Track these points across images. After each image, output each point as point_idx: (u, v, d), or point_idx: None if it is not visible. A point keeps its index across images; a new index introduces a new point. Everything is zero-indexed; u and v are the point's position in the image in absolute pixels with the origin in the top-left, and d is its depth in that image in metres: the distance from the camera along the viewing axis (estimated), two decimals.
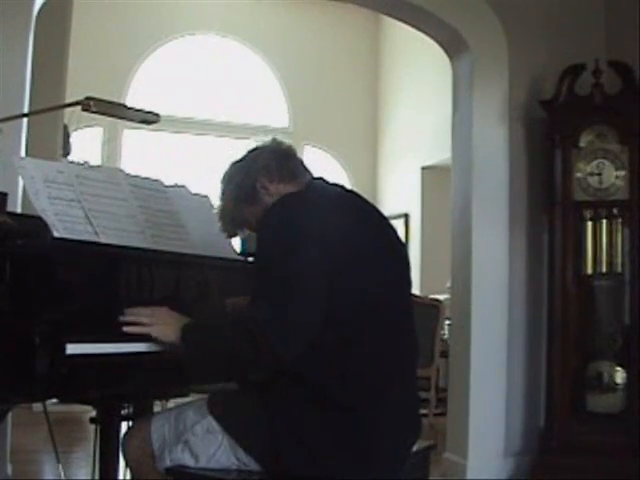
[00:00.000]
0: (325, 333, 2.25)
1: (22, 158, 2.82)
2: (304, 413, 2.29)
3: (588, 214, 5.09)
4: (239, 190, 2.57)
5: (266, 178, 2.53)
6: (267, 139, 2.65)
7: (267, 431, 2.30)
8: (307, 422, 2.28)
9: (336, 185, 2.61)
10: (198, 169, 9.22)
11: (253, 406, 2.37)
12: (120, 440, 2.64)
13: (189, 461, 2.42)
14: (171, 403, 3.16)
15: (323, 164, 10.90)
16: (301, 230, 2.28)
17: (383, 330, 2.37)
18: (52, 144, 6.57)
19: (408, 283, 2.60)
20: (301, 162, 2.63)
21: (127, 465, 2.58)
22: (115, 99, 3.26)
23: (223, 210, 2.65)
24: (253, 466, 2.36)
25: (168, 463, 2.44)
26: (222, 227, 2.69)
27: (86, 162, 2.77)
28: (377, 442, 2.31)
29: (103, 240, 2.58)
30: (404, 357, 2.48)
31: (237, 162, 2.64)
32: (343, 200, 2.53)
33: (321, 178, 2.61)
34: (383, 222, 2.65)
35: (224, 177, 2.64)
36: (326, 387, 2.28)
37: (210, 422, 2.41)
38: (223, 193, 2.64)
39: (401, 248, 2.65)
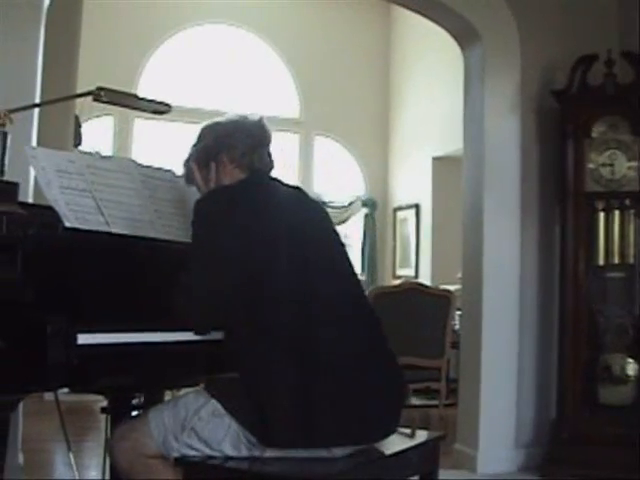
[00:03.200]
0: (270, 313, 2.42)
1: (33, 148, 2.83)
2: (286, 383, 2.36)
3: (600, 205, 5.07)
4: (202, 152, 2.74)
5: (228, 158, 2.69)
6: (254, 117, 2.79)
7: (256, 405, 2.35)
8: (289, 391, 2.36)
9: (284, 184, 2.74)
10: None
11: (245, 385, 2.41)
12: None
13: (197, 445, 2.42)
14: (182, 393, 3.16)
15: (334, 154, 10.91)
16: (219, 224, 2.49)
17: (323, 310, 2.47)
18: (63, 134, 6.58)
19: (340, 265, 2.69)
20: (268, 153, 2.77)
21: (116, 471, 2.55)
22: (126, 89, 3.26)
23: (187, 159, 2.82)
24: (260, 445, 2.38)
25: (176, 451, 2.43)
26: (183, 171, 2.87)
27: (97, 152, 2.78)
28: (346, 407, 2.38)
29: (114, 230, 2.58)
30: (354, 331, 2.54)
31: (221, 124, 2.79)
32: (270, 197, 2.64)
33: (274, 178, 2.75)
34: (315, 216, 2.74)
35: (204, 129, 2.81)
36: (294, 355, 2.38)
37: (215, 405, 2.43)
38: (194, 145, 2.80)
39: (329, 235, 2.74)
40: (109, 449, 2.58)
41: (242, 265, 2.44)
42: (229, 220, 2.48)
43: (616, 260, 5.08)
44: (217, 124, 2.78)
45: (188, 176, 2.81)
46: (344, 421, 2.36)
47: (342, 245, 2.75)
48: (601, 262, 5.08)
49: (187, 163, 2.81)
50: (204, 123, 2.83)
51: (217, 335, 2.55)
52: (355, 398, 2.40)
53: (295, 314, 2.42)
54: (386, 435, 2.56)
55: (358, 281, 2.76)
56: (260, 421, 2.33)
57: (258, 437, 2.36)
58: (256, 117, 2.79)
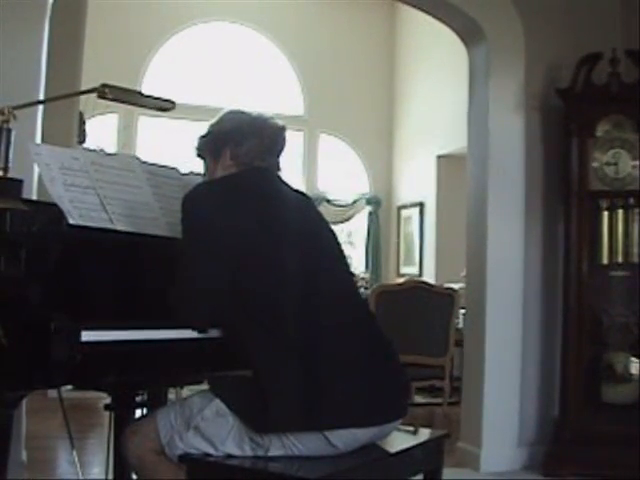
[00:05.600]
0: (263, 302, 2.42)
1: (38, 145, 2.83)
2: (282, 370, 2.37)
3: (604, 204, 5.07)
4: (210, 139, 2.72)
5: (230, 153, 2.65)
6: (278, 123, 2.77)
7: (259, 395, 2.34)
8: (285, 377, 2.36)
9: (280, 179, 2.72)
10: None
11: (249, 382, 2.41)
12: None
13: (201, 445, 2.43)
14: (185, 390, 3.17)
15: (338, 152, 10.92)
16: (204, 220, 2.48)
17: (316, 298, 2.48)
18: (68, 131, 6.59)
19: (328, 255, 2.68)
20: (277, 162, 2.75)
21: (128, 464, 2.60)
22: (131, 86, 3.26)
23: (204, 134, 2.76)
24: (266, 444, 2.37)
25: (180, 450, 2.44)
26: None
27: (101, 149, 2.78)
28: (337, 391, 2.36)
29: (118, 227, 2.58)
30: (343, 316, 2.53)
31: (241, 117, 2.73)
32: (265, 188, 2.62)
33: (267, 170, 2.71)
34: (300, 207, 2.72)
35: (227, 114, 2.75)
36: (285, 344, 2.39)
37: (218, 404, 2.44)
38: (212, 125, 2.74)
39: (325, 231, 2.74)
40: (120, 444, 2.62)
41: (240, 260, 2.43)
42: (221, 214, 2.46)
43: (620, 259, 5.07)
44: (239, 114, 2.73)
45: (200, 151, 2.78)
46: (343, 405, 2.35)
47: (338, 243, 2.74)
48: (605, 261, 5.08)
49: (201, 138, 2.77)
50: (228, 109, 2.79)
51: (218, 332, 2.56)
52: (355, 385, 2.40)
53: (297, 306, 2.42)
54: (388, 420, 2.53)
55: (352, 275, 2.85)
56: (261, 410, 2.33)
57: (258, 426, 2.36)
58: (280, 124, 2.77)
